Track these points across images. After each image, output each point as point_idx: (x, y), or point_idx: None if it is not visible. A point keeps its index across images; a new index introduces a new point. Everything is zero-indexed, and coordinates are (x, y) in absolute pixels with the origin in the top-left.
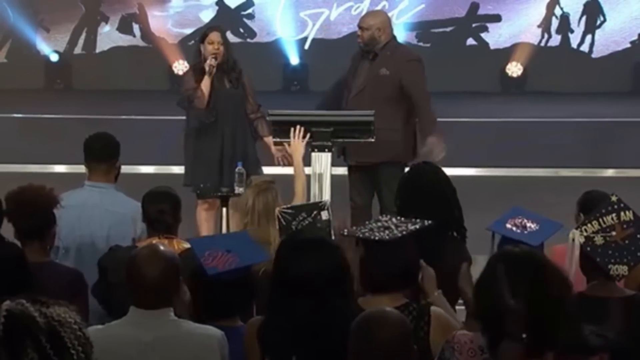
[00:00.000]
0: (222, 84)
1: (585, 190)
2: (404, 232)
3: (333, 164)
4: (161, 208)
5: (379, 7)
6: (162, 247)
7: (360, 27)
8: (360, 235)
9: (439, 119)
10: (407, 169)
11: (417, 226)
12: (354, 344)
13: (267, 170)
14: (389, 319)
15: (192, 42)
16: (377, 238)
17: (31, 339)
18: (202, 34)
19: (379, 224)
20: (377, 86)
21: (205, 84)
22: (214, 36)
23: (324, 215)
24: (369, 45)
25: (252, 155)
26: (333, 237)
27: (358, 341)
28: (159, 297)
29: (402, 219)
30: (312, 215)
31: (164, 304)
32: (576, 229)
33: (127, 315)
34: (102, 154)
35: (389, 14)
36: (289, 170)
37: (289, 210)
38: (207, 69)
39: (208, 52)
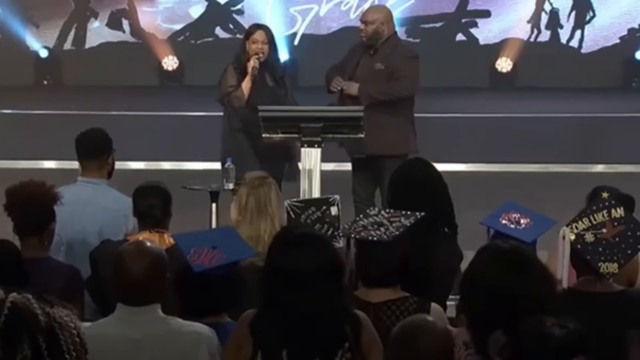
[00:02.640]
0: (263, 81)
1: (596, 186)
2: (401, 230)
3: (325, 160)
4: (151, 202)
5: (367, 3)
6: (148, 243)
7: (363, 21)
8: (357, 237)
9: (428, 115)
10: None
11: (412, 220)
12: (394, 350)
13: None
14: (434, 330)
15: (182, 37)
16: (375, 239)
17: (29, 335)
18: (246, 31)
19: (370, 219)
20: (372, 81)
21: (247, 84)
22: (259, 35)
23: (333, 210)
24: (372, 39)
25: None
26: (341, 235)
27: (400, 348)
28: (146, 293)
29: (392, 211)
30: (322, 210)
31: (152, 300)
32: (567, 226)
33: (114, 312)
34: (93, 151)
35: None
36: None
37: (299, 204)
38: (249, 69)
39: (252, 51)
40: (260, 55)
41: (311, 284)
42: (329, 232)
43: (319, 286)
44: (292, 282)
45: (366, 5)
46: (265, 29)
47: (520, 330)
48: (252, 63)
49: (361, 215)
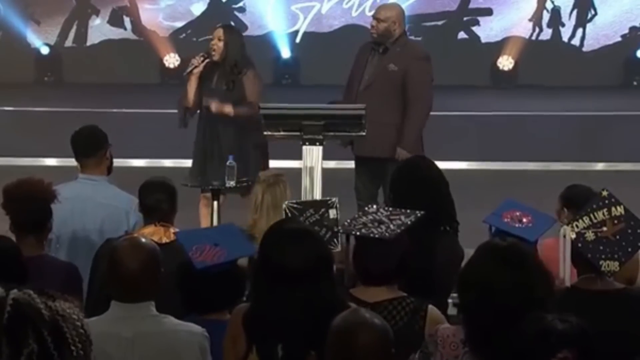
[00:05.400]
0: (219, 83)
1: (568, 185)
2: (401, 228)
3: (327, 158)
4: (157, 197)
5: (369, 1)
6: (142, 239)
7: (375, 18)
8: (358, 234)
9: (430, 113)
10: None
11: (412, 219)
12: (332, 346)
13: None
14: (371, 324)
15: (184, 35)
16: (376, 236)
17: (34, 330)
18: None
19: (370, 217)
20: (385, 82)
21: (190, 83)
22: (216, 32)
23: (332, 213)
24: (382, 37)
25: (246, 155)
26: (341, 232)
27: (337, 344)
28: (139, 289)
29: (392, 209)
30: (320, 212)
31: (145, 297)
32: (567, 224)
33: (108, 310)
34: (88, 148)
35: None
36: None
37: (297, 206)
38: (189, 67)
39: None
40: (212, 52)
41: (303, 279)
42: (327, 236)
43: (310, 280)
44: (284, 277)
45: (368, 4)
46: (225, 27)
47: (522, 327)
48: (192, 60)
49: (360, 213)
